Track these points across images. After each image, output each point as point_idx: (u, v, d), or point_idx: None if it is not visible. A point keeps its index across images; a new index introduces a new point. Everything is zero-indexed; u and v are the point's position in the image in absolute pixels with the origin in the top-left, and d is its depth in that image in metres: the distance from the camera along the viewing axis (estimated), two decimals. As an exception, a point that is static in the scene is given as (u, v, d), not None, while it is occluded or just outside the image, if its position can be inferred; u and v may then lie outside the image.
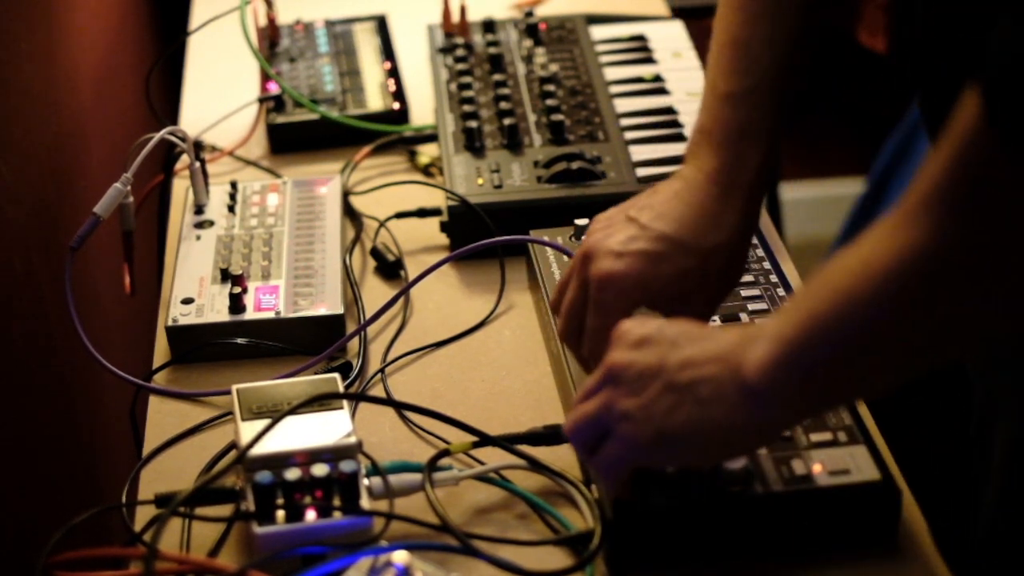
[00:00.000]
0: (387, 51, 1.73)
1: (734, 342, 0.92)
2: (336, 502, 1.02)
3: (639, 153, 1.46)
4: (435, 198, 1.47)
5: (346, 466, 1.02)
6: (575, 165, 1.41)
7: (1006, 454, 1.20)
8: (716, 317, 1.18)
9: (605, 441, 0.96)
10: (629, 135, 1.49)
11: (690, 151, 1.12)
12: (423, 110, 1.64)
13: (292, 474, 1.02)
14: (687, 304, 1.07)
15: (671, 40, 1.70)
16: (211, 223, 1.40)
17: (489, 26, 1.72)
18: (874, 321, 0.85)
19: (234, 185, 1.46)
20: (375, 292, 1.36)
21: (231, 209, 1.42)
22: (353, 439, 1.05)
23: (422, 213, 1.44)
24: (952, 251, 0.81)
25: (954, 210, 0.80)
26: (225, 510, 1.05)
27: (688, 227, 1.07)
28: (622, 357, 0.96)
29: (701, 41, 1.76)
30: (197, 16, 1.91)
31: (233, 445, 1.12)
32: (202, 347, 1.27)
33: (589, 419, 0.97)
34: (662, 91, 1.58)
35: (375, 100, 1.63)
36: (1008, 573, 1.22)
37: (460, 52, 1.66)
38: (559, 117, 1.49)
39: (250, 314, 1.28)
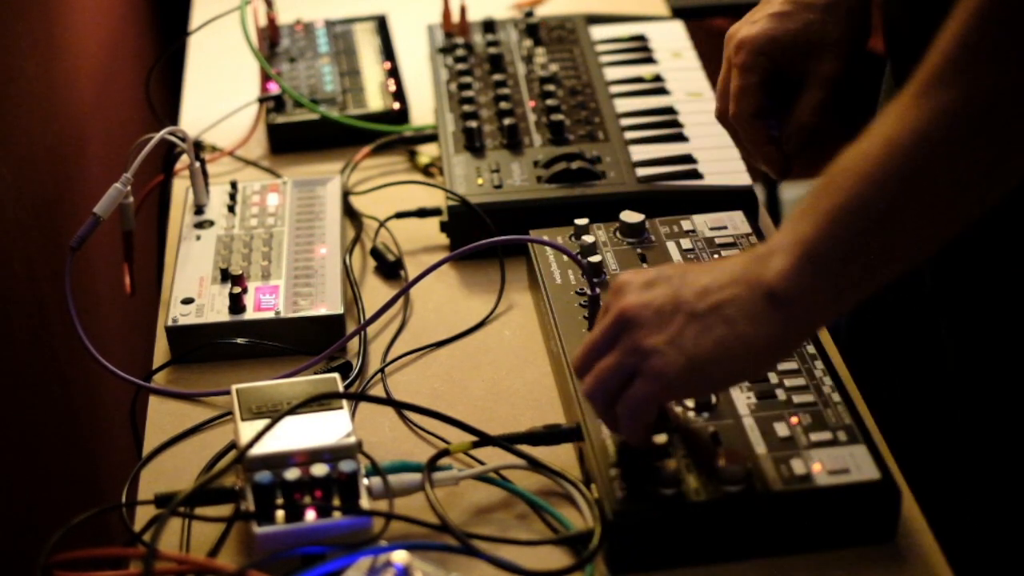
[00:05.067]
0: (387, 51, 1.73)
1: (746, 263, 0.95)
2: (336, 502, 1.02)
3: (639, 153, 1.46)
4: (435, 198, 1.47)
5: (346, 466, 1.02)
6: (575, 165, 1.41)
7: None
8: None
9: (629, 387, 0.98)
10: (629, 135, 1.49)
11: None
12: (423, 110, 1.64)
13: (292, 474, 1.02)
14: (818, 59, 1.20)
15: (671, 40, 1.70)
16: (211, 223, 1.40)
17: (489, 26, 1.72)
18: (904, 195, 0.88)
19: (234, 185, 1.46)
20: (375, 292, 1.36)
21: (231, 209, 1.42)
22: (353, 439, 1.05)
23: (422, 213, 1.44)
24: (982, 107, 0.85)
25: (981, 66, 0.84)
26: (225, 510, 1.05)
27: None
28: (634, 300, 0.98)
29: (701, 41, 1.76)
30: (197, 16, 1.91)
31: (233, 445, 1.12)
32: (202, 347, 1.27)
33: (611, 370, 0.98)
34: (662, 91, 1.58)
35: (375, 100, 1.63)
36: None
37: (460, 52, 1.66)
38: (559, 117, 1.49)
39: (250, 314, 1.28)
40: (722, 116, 1.27)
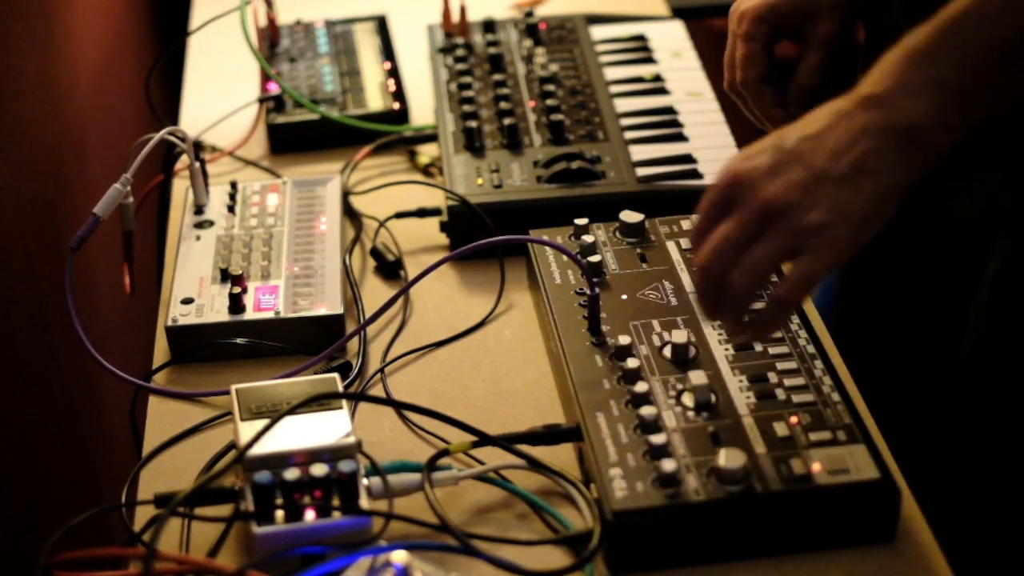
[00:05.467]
0: (387, 51, 1.73)
1: (863, 115, 0.98)
2: (335, 502, 1.02)
3: (639, 153, 1.46)
4: (435, 198, 1.47)
5: (345, 466, 1.02)
6: (575, 165, 1.41)
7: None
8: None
9: (795, 265, 0.99)
10: (629, 135, 1.49)
11: None
12: (423, 110, 1.64)
13: (291, 474, 1.02)
14: (815, 22, 1.26)
15: (671, 40, 1.70)
16: (211, 223, 1.40)
17: (489, 26, 1.72)
18: None
19: (234, 185, 1.46)
20: (375, 292, 1.36)
21: (231, 209, 1.42)
22: (352, 439, 1.05)
23: (422, 213, 1.44)
24: None
25: None
26: (224, 510, 1.05)
27: None
28: (774, 188, 0.99)
29: (701, 41, 1.76)
30: (197, 16, 1.91)
31: (232, 445, 1.12)
32: (202, 347, 1.27)
33: (771, 259, 0.99)
34: (662, 91, 1.58)
35: (375, 100, 1.63)
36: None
37: (460, 52, 1.66)
38: (559, 117, 1.49)
39: (250, 314, 1.28)
40: (731, 86, 1.32)
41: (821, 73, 1.29)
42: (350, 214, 1.47)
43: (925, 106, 0.97)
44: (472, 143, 1.48)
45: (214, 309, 1.28)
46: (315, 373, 1.23)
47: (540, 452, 1.10)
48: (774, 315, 1.02)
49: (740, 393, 1.10)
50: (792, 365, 1.12)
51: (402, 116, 1.61)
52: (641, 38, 1.70)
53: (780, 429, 1.06)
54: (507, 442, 1.10)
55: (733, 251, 1.00)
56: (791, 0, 1.28)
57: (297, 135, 1.60)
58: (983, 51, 0.97)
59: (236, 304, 1.28)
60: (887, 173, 0.98)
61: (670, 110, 1.54)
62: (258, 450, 1.03)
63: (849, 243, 0.98)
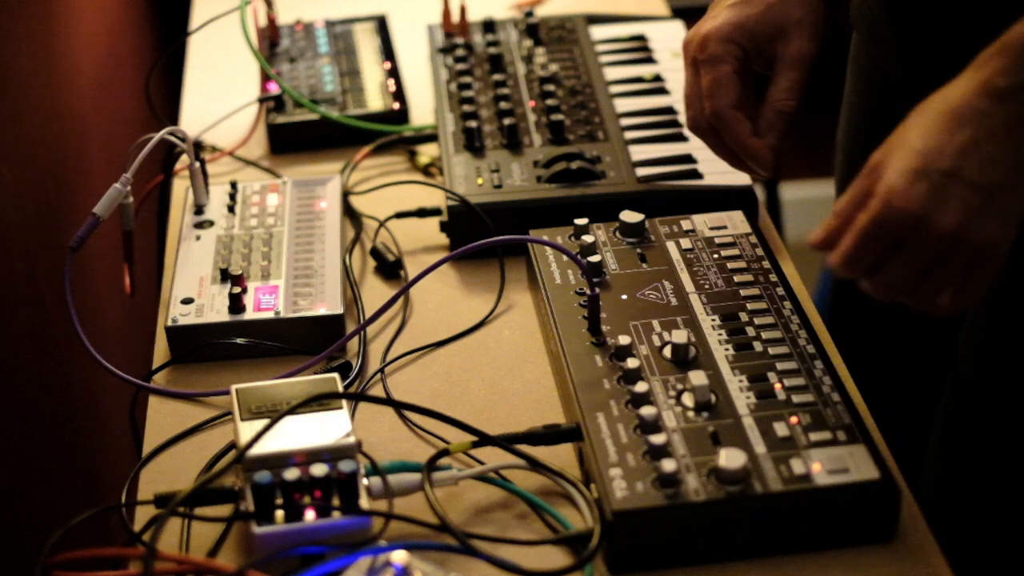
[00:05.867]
0: (387, 51, 1.73)
1: (1003, 111, 0.94)
2: (335, 502, 1.02)
3: (639, 153, 1.46)
4: (435, 198, 1.47)
5: (345, 466, 1.02)
6: (575, 165, 1.41)
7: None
8: (716, 317, 1.18)
9: (965, 280, 0.97)
10: (629, 135, 1.49)
11: None
12: (423, 110, 1.64)
13: (291, 474, 1.02)
14: (784, 40, 1.20)
15: (671, 40, 1.70)
16: (211, 223, 1.40)
17: (489, 26, 1.72)
18: None
19: (234, 185, 1.46)
20: (375, 292, 1.36)
21: (231, 209, 1.42)
22: (352, 439, 1.05)
23: (422, 213, 1.44)
24: None
25: None
26: (224, 510, 1.05)
27: None
28: (949, 219, 0.95)
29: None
30: (197, 16, 1.91)
31: (232, 445, 1.12)
32: (202, 347, 1.27)
33: (907, 280, 0.98)
34: (662, 91, 1.58)
35: (375, 100, 1.63)
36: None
37: (460, 52, 1.66)
38: (559, 117, 1.49)
39: (250, 314, 1.28)
40: (695, 125, 1.24)
41: (796, 95, 1.22)
42: (350, 214, 1.47)
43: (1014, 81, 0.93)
44: (472, 143, 1.48)
45: (214, 309, 1.28)
46: (315, 373, 1.23)
47: (540, 452, 1.10)
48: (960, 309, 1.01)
49: (740, 393, 1.10)
50: (792, 365, 1.12)
51: (402, 116, 1.61)
52: (641, 38, 1.70)
53: (780, 429, 1.06)
54: (507, 442, 1.10)
55: (912, 285, 0.99)
56: (757, 18, 1.21)
57: (297, 135, 1.60)
58: None
59: (236, 304, 1.28)
60: (1011, 150, 0.94)
61: (670, 110, 1.54)
62: (258, 450, 1.03)
63: (1009, 234, 0.96)
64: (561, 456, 1.11)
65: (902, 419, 1.29)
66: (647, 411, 1.07)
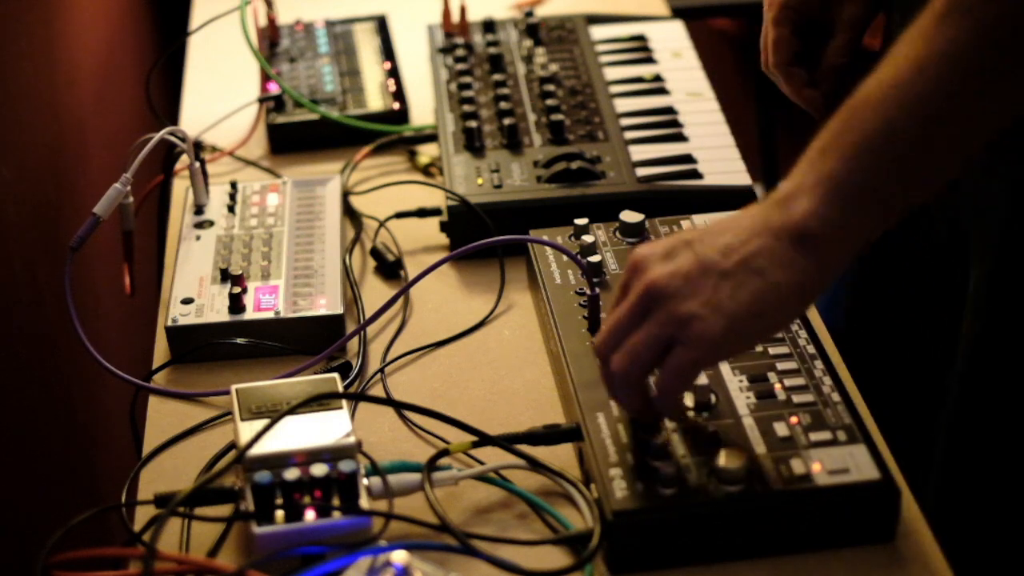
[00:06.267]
0: (387, 51, 1.73)
1: (765, 213, 0.96)
2: (335, 502, 1.02)
3: (639, 153, 1.45)
4: (435, 198, 1.47)
5: (345, 466, 1.02)
6: (575, 165, 1.41)
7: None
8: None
9: (669, 357, 0.97)
10: (629, 135, 1.49)
11: None
12: (423, 110, 1.64)
13: (291, 474, 1.02)
14: (839, 4, 1.29)
15: (671, 40, 1.70)
16: (211, 223, 1.40)
17: (489, 26, 1.72)
18: (938, 114, 0.90)
19: (234, 185, 1.46)
20: (375, 292, 1.36)
21: (231, 209, 1.42)
22: (352, 439, 1.05)
23: (422, 213, 1.44)
24: (1020, 18, 0.88)
25: None
26: (224, 510, 1.05)
27: None
28: (660, 272, 0.98)
29: (701, 41, 1.76)
30: (197, 16, 1.91)
31: (232, 445, 1.12)
32: (202, 347, 1.27)
33: (645, 343, 0.98)
34: (662, 91, 1.58)
35: (375, 100, 1.63)
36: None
37: (460, 52, 1.66)
38: (559, 117, 1.49)
39: (250, 314, 1.28)
40: (765, 67, 1.35)
41: (848, 53, 1.31)
42: (350, 214, 1.47)
43: (812, 204, 0.93)
44: (472, 143, 1.48)
45: (214, 309, 1.28)
46: (315, 373, 1.23)
47: (540, 452, 1.10)
48: (660, 404, 1.01)
49: (740, 393, 1.10)
50: (792, 365, 1.12)
51: (402, 116, 1.61)
52: (641, 38, 1.70)
53: (780, 429, 1.06)
54: (507, 442, 1.10)
55: (619, 334, 1.00)
56: None
57: (297, 135, 1.60)
58: (861, 146, 0.93)
59: (236, 304, 1.28)
60: (775, 274, 0.94)
61: (670, 110, 1.54)
62: (258, 450, 1.03)
63: (723, 341, 0.96)
64: (561, 456, 1.11)
65: (902, 419, 1.29)
66: (647, 411, 1.07)
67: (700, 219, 1.32)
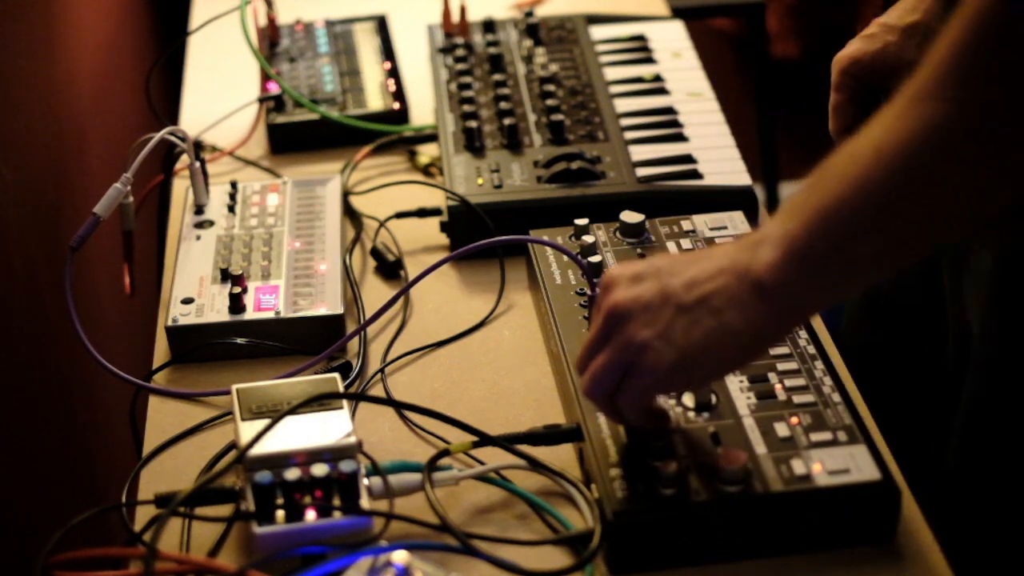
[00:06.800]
0: (387, 51, 1.73)
1: (735, 252, 0.95)
2: (336, 502, 1.02)
3: (639, 153, 1.46)
4: (435, 198, 1.47)
5: (346, 466, 1.02)
6: (575, 165, 1.41)
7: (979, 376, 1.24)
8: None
9: (625, 381, 0.98)
10: (629, 135, 1.49)
11: None
12: (423, 110, 1.64)
13: (292, 474, 1.02)
14: (897, 79, 1.16)
15: (671, 40, 1.70)
16: (211, 223, 1.40)
17: (489, 26, 1.72)
18: (888, 203, 0.88)
19: (234, 185, 1.46)
20: (375, 292, 1.36)
21: (231, 209, 1.42)
22: (353, 439, 1.05)
23: (422, 213, 1.44)
24: (972, 121, 0.85)
25: (973, 81, 0.84)
26: (225, 510, 1.05)
27: (894, 12, 1.27)
28: (623, 296, 0.99)
29: (701, 41, 1.76)
30: (197, 16, 1.91)
31: (233, 445, 1.12)
32: (202, 347, 1.27)
33: (604, 368, 0.99)
34: (662, 91, 1.58)
35: (375, 100, 1.63)
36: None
37: (460, 52, 1.66)
38: (559, 117, 1.49)
39: (250, 314, 1.28)
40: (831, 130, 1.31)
41: None
42: (350, 214, 1.47)
43: (774, 257, 0.92)
44: (472, 143, 1.48)
45: (214, 309, 1.28)
46: (315, 373, 1.23)
47: (540, 452, 1.10)
48: (629, 420, 1.02)
49: (740, 393, 1.10)
50: (793, 365, 1.12)
51: (402, 116, 1.61)
52: (641, 38, 1.70)
53: (781, 429, 1.06)
54: (507, 442, 1.10)
55: (589, 355, 1.01)
56: (872, 54, 1.26)
57: (297, 135, 1.60)
58: (820, 214, 0.91)
59: (236, 304, 1.28)
60: (731, 316, 0.94)
61: (670, 110, 1.54)
62: (258, 450, 1.03)
63: (671, 374, 0.96)
64: (561, 456, 1.11)
65: (902, 419, 1.29)
66: (647, 411, 1.07)
67: (700, 219, 1.32)
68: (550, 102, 1.54)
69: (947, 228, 0.92)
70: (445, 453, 1.09)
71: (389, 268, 1.39)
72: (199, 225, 1.40)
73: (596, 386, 1.00)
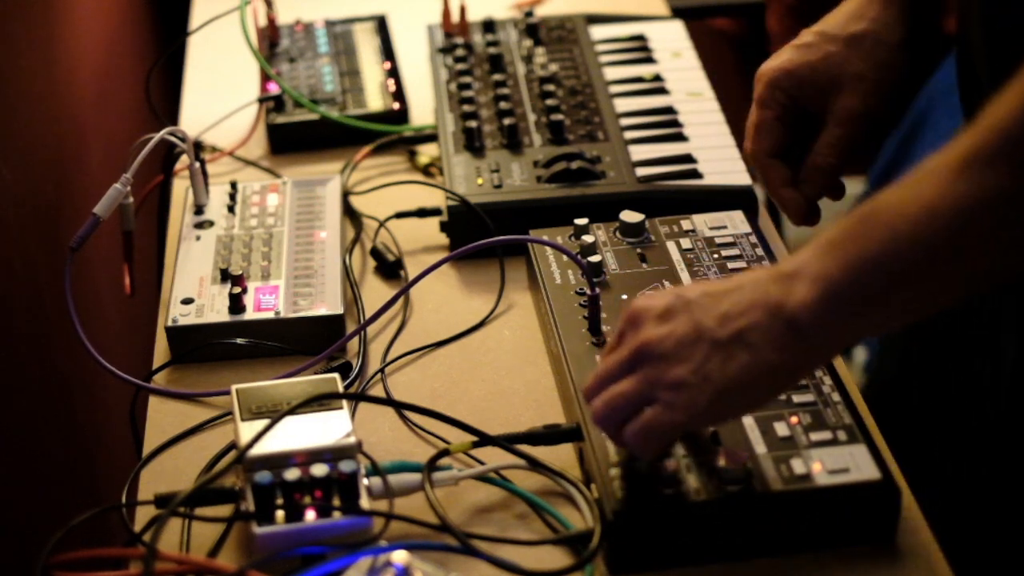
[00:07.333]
0: (387, 51, 1.73)
1: (767, 284, 0.94)
2: (336, 502, 1.02)
3: (639, 153, 1.46)
4: (435, 198, 1.47)
5: (346, 466, 1.02)
6: (575, 165, 1.41)
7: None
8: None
9: (645, 412, 0.97)
10: (629, 135, 1.49)
11: None
12: (423, 110, 1.64)
13: (292, 474, 1.02)
14: (837, 94, 1.16)
15: (671, 40, 1.70)
16: (211, 223, 1.40)
17: (489, 26, 1.72)
18: (938, 261, 0.88)
19: (234, 185, 1.46)
20: (375, 292, 1.36)
21: (231, 209, 1.42)
22: (352, 439, 1.05)
23: (422, 213, 1.44)
24: None
25: None
26: (225, 510, 1.05)
27: (832, 20, 1.19)
28: (653, 333, 0.97)
29: (701, 41, 1.76)
30: (197, 16, 1.91)
31: (233, 445, 1.12)
32: (202, 347, 1.27)
33: (625, 397, 0.98)
34: (662, 91, 1.58)
35: (375, 100, 1.63)
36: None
37: (460, 52, 1.66)
38: (559, 117, 1.49)
39: (250, 314, 1.28)
40: (746, 155, 1.24)
41: (839, 153, 1.18)
42: (350, 214, 1.47)
43: (809, 296, 0.91)
44: (472, 143, 1.48)
45: (214, 309, 1.28)
46: (315, 373, 1.23)
47: (540, 452, 1.10)
48: (633, 452, 1.01)
49: (740, 393, 1.10)
50: (792, 365, 1.12)
51: (402, 116, 1.61)
52: (641, 38, 1.70)
53: (780, 429, 1.06)
54: (507, 442, 1.10)
55: (605, 382, 1.00)
56: (810, 66, 1.18)
57: (297, 135, 1.60)
58: (863, 259, 0.90)
59: (236, 304, 1.28)
60: (766, 351, 0.93)
61: (670, 110, 1.54)
62: (258, 450, 1.03)
63: (707, 409, 0.95)
64: (561, 456, 1.11)
65: (902, 419, 1.29)
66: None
67: (700, 219, 1.32)
68: (550, 102, 1.54)
69: (994, 280, 0.92)
70: (445, 453, 1.09)
71: (389, 268, 1.39)
72: (199, 225, 1.40)
73: (613, 413, 0.99)
